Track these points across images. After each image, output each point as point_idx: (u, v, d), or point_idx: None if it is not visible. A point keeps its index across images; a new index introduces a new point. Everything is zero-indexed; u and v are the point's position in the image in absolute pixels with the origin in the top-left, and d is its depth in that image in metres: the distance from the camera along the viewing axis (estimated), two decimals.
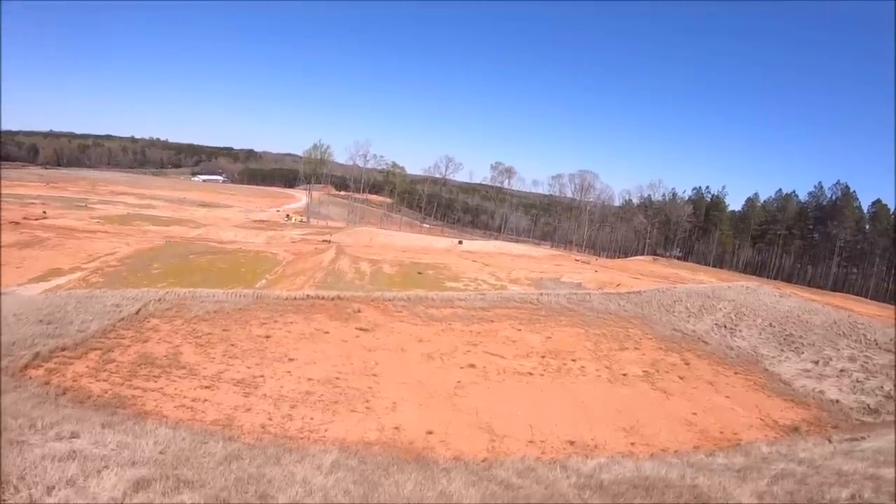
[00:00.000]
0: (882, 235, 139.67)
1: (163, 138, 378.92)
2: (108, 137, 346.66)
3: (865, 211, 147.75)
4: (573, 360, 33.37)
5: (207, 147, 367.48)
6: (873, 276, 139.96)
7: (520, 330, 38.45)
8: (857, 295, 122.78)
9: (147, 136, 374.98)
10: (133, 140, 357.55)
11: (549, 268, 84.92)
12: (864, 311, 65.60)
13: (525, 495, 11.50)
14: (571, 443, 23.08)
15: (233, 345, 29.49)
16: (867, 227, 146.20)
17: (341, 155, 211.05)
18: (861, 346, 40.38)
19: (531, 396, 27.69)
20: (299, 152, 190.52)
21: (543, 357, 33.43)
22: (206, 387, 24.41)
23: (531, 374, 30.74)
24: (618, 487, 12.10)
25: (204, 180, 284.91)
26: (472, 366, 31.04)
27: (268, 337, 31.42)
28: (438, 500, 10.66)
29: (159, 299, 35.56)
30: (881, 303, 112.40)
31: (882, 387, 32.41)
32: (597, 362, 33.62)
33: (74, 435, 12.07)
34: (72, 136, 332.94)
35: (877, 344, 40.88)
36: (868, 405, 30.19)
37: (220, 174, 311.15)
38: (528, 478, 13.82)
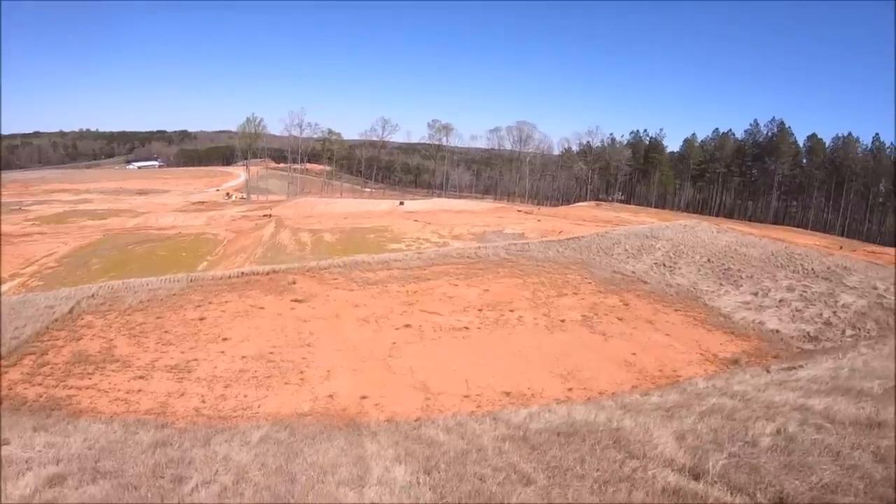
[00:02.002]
0: (818, 168, 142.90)
1: (93, 128, 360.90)
2: (36, 135, 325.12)
3: (801, 145, 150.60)
4: (511, 311, 32.83)
5: (140, 133, 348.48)
6: (812, 207, 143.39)
7: (457, 286, 37.71)
8: (798, 227, 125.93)
9: (76, 129, 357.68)
10: (62, 134, 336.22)
11: (491, 221, 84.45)
12: (804, 242, 67.01)
13: (443, 452, 10.68)
14: (507, 394, 22.63)
15: (166, 331, 28.72)
16: (804, 160, 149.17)
17: (276, 127, 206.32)
18: (799, 276, 40.76)
19: (467, 351, 27.12)
20: (234, 128, 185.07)
21: (481, 310, 32.79)
22: (140, 377, 23.85)
23: (468, 328, 30.13)
24: (539, 437, 11.35)
25: (139, 167, 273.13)
26: (408, 326, 30.34)
27: (202, 319, 30.59)
28: (355, 464, 9.98)
29: (92, 295, 34.22)
30: (821, 233, 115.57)
31: (821, 314, 32.77)
32: (534, 311, 33.13)
33: (5, 442, 11.77)
34: None
35: (814, 272, 41.32)
36: (808, 333, 30.43)
37: (155, 159, 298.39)
38: (454, 433, 13.05)
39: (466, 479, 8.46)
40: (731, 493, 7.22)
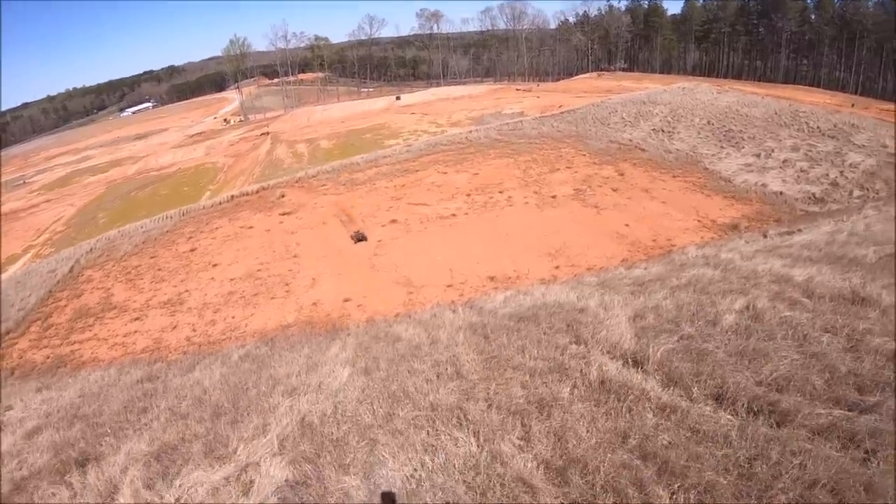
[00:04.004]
0: (828, 24, 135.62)
1: (79, 86, 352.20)
2: (24, 106, 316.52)
3: (809, 0, 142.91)
4: (500, 193, 31.71)
5: (127, 78, 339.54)
6: (823, 65, 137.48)
7: (446, 173, 36.46)
8: (810, 86, 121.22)
9: (62, 90, 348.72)
10: (50, 99, 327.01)
11: (489, 104, 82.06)
12: (811, 100, 63.85)
13: (395, 349, 10.02)
14: (492, 279, 21.86)
15: (160, 269, 28.62)
16: (812, 16, 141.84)
17: (261, 43, 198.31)
18: (804, 135, 38.74)
19: (454, 239, 26.27)
20: (221, 53, 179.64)
21: (469, 195, 31.71)
22: (136, 318, 23.93)
23: (455, 216, 29.15)
24: (501, 323, 10.55)
25: (133, 112, 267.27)
26: (394, 221, 29.47)
27: (193, 250, 30.36)
28: (307, 372, 9.33)
29: (90, 250, 34.10)
30: (833, 91, 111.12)
31: (827, 174, 31.09)
32: (525, 189, 31.95)
33: (9, 408, 12.15)
34: None
35: (820, 131, 39.23)
36: (813, 194, 28.93)
37: (148, 101, 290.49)
38: (421, 327, 12.20)
39: (398, 377, 7.96)
40: (666, 386, 6.40)
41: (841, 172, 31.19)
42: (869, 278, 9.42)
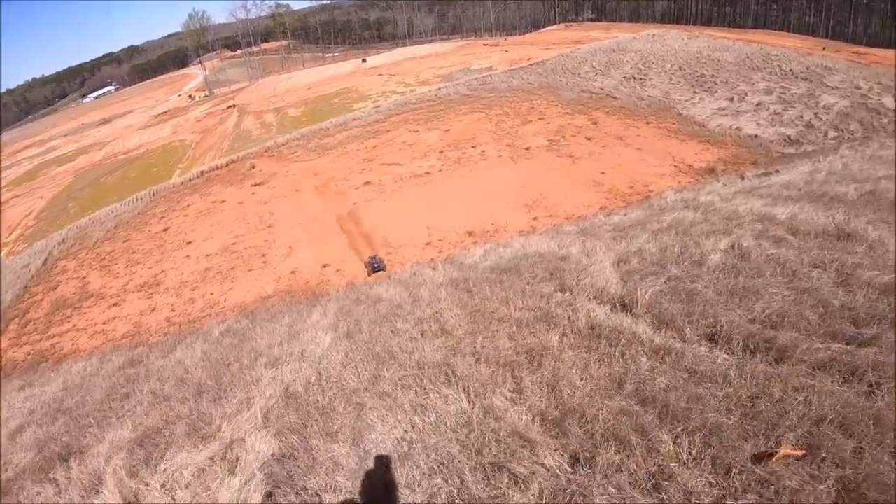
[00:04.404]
0: None
1: (38, 76, 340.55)
2: None
3: None
4: (473, 147, 31.34)
5: (86, 63, 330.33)
6: (792, 10, 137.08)
7: (417, 131, 35.98)
8: (780, 30, 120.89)
9: (21, 82, 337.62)
10: (9, 93, 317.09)
11: (457, 60, 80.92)
12: (783, 44, 63.51)
13: (376, 310, 9.93)
14: (470, 233, 21.68)
15: (134, 252, 28.09)
16: None
17: (221, 15, 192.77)
18: (777, 78, 38.48)
19: (429, 197, 25.98)
20: (180, 28, 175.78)
21: (442, 152, 31.33)
22: (114, 304, 23.52)
23: (429, 173, 28.80)
24: (483, 276, 10.50)
25: (96, 97, 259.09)
26: (368, 183, 29.06)
27: (166, 230, 29.83)
28: (290, 341, 9.22)
29: (62, 240, 33.31)
30: (804, 36, 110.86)
31: (801, 116, 30.93)
32: (498, 143, 31.61)
33: None
34: None
35: (793, 74, 38.99)
36: (788, 136, 28.84)
37: (110, 84, 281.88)
38: (401, 286, 12.05)
39: (381, 338, 7.81)
40: (657, 329, 6.24)
41: (815, 114, 31.05)
42: (852, 214, 9.33)
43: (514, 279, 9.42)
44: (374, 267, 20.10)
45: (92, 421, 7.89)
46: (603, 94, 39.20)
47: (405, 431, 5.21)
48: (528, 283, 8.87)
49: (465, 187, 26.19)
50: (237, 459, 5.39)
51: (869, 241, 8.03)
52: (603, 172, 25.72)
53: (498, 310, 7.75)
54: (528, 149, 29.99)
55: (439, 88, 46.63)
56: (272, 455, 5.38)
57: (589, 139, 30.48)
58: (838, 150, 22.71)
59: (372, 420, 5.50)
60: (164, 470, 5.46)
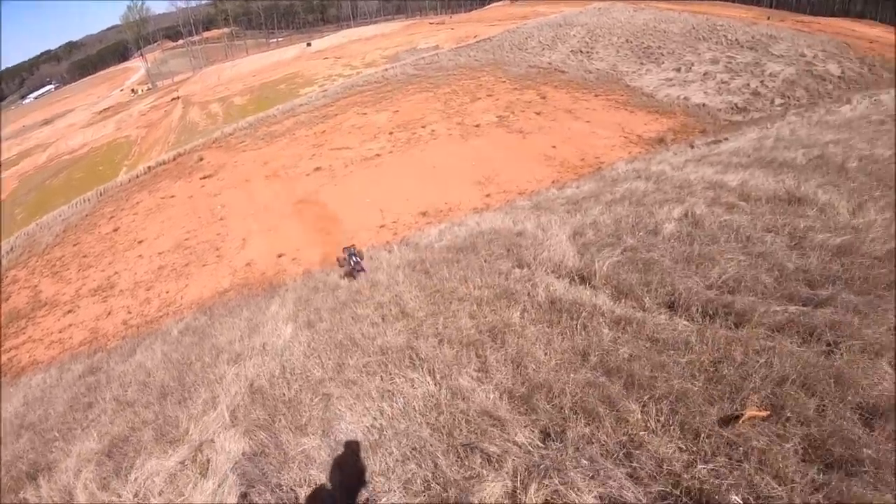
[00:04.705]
0: None
1: None
2: None
3: None
4: (422, 127, 31.14)
5: (24, 63, 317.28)
6: None
7: (365, 114, 35.63)
8: (725, 1, 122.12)
9: None
10: None
11: (403, 40, 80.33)
12: (728, 14, 64.36)
13: (336, 297, 10.02)
14: (424, 214, 21.54)
15: (84, 256, 27.23)
16: None
17: (161, 5, 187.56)
18: (723, 47, 39.13)
19: (381, 179, 25.76)
20: (119, 21, 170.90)
21: (391, 133, 31.10)
22: (69, 312, 22.74)
23: (379, 155, 28.53)
24: (439, 256, 10.48)
25: (36, 97, 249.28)
26: (318, 169, 28.69)
27: (116, 230, 28.98)
28: (250, 335, 9.18)
29: (10, 249, 32.20)
30: (748, 6, 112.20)
31: (748, 84, 31.50)
32: (448, 121, 31.50)
33: None
34: None
35: (739, 43, 39.64)
36: (735, 104, 29.31)
37: (49, 83, 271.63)
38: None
39: (342, 325, 7.81)
40: (617, 299, 6.33)
41: (762, 82, 31.66)
42: (802, 179, 9.56)
43: (471, 257, 9.44)
44: (354, 265, 12.33)
45: (57, 434, 7.72)
46: (551, 68, 39.32)
47: (374, 419, 5.19)
48: (485, 261, 8.90)
49: (417, 168, 26.03)
50: (208, 461, 5.33)
51: (819, 205, 8.24)
52: (554, 146, 25.80)
53: (457, 289, 7.76)
54: (477, 126, 29.93)
55: (386, 70, 46.24)
56: (243, 454, 5.31)
57: (538, 114, 30.56)
58: (785, 116, 23.32)
59: (340, 410, 5.45)
60: (136, 479, 5.34)
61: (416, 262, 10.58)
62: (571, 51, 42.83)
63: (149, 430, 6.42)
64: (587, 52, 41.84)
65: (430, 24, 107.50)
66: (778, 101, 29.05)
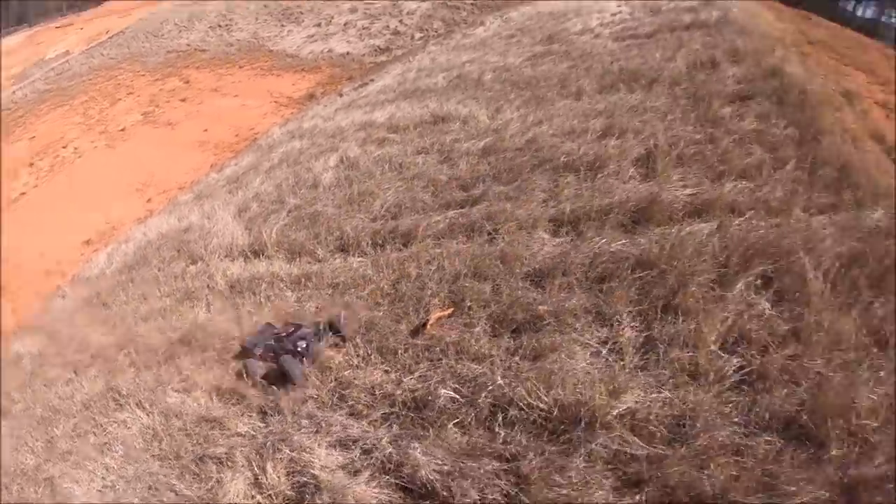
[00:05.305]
0: None
1: None
2: None
3: None
4: (64, 148, 27.69)
5: None
6: None
7: None
8: None
9: None
10: None
11: (29, 53, 69.46)
12: None
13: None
14: (87, 243, 18.98)
15: None
16: None
17: None
18: None
19: (26, 222, 22.13)
20: None
21: (32, 165, 27.23)
22: None
23: (24, 193, 24.72)
24: (108, 283, 9.73)
25: None
26: None
27: None
28: None
29: None
30: None
31: (388, 26, 32.37)
32: (90, 133, 28.44)
33: None
34: None
35: None
36: (378, 47, 30.04)
37: None
38: (33, 333, 10.40)
39: (38, 398, 7.11)
40: (292, 260, 6.62)
41: (400, 21, 32.78)
42: (444, 100, 10.18)
43: (145, 272, 9.09)
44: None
45: None
46: (191, 49, 37.39)
47: (103, 478, 5.00)
48: (159, 270, 8.66)
49: (68, 194, 23.04)
50: None
51: (462, 118, 8.95)
52: (206, 130, 24.65)
53: (139, 309, 7.50)
54: (123, 130, 27.49)
55: (14, 92, 40.62)
56: None
57: (184, 100, 28.90)
58: (425, 47, 24.57)
59: (67, 487, 5.05)
60: None
61: (90, 298, 9.75)
62: (210, 27, 41.13)
63: None
64: (226, 26, 40.42)
65: (58, 28, 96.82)
66: (418, 35, 30.36)
